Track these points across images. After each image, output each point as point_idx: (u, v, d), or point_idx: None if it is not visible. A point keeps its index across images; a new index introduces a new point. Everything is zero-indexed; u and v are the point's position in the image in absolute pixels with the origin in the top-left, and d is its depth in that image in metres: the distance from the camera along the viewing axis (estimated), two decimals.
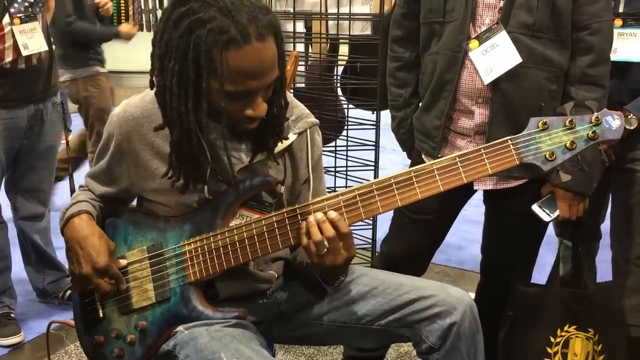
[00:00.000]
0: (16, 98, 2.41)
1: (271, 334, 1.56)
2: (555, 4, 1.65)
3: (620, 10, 1.99)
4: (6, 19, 2.33)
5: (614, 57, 1.98)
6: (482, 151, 1.26)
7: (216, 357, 1.28)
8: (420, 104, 1.90)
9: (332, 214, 1.30)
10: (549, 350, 1.82)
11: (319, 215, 1.31)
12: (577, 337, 1.82)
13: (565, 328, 1.83)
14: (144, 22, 9.43)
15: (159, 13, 9.43)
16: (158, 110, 1.35)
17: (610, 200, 2.26)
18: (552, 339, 1.83)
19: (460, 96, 1.76)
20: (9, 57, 2.34)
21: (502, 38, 1.66)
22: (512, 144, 1.27)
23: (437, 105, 1.81)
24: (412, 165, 1.97)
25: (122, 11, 8.65)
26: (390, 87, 1.99)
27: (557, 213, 1.77)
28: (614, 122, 1.25)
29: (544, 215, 1.78)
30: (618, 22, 1.99)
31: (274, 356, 1.40)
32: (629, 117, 1.96)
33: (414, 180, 1.30)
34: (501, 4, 1.68)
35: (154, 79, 1.33)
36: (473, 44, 1.69)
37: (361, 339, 1.53)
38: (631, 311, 2.18)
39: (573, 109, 1.28)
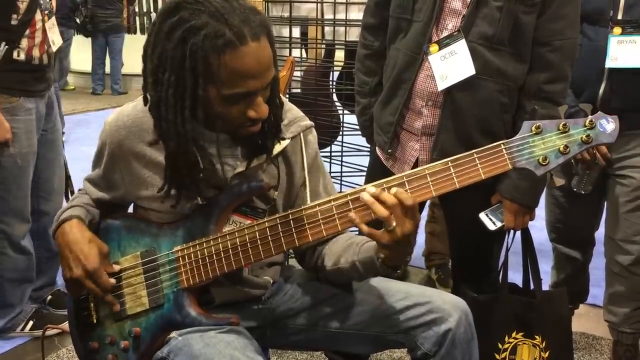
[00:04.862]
0: (42, 89, 2.43)
1: (266, 340, 1.55)
2: (519, 19, 1.64)
3: (619, 17, 1.97)
4: (38, 15, 2.32)
5: (615, 64, 1.95)
6: (475, 155, 1.26)
7: None
8: (380, 96, 1.91)
9: (393, 190, 1.24)
10: (497, 356, 1.83)
11: (370, 190, 1.25)
12: (524, 343, 1.84)
13: (513, 335, 1.84)
14: (137, 25, 9.46)
15: (153, 16, 9.46)
16: (150, 119, 1.35)
17: (604, 208, 2.26)
18: (500, 346, 1.83)
19: (414, 96, 1.77)
20: (37, 54, 2.33)
21: (461, 47, 1.66)
22: (505, 148, 1.26)
23: (393, 102, 1.82)
24: (372, 153, 1.99)
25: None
26: (358, 72, 1.99)
27: (502, 223, 1.77)
28: (608, 125, 1.23)
29: (489, 224, 1.78)
30: (617, 30, 1.97)
31: None
32: None
33: (407, 185, 1.28)
34: (465, 11, 1.68)
35: (147, 94, 1.32)
36: (433, 47, 1.69)
37: (356, 344, 1.53)
38: (625, 318, 2.18)
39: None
